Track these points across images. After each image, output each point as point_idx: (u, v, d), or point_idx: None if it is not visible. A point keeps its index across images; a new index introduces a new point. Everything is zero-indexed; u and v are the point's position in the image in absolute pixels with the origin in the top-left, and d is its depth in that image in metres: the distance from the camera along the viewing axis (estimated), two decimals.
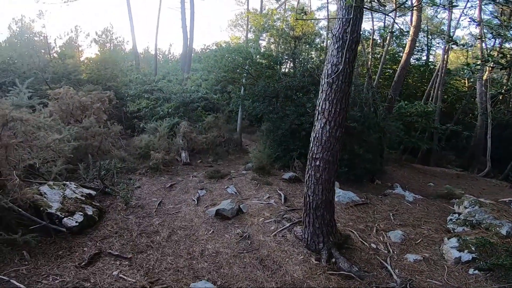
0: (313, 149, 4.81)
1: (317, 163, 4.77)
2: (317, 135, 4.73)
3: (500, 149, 14.17)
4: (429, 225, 6.29)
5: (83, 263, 4.28)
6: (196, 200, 6.73)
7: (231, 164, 10.08)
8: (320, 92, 4.77)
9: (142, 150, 8.98)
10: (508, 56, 5.83)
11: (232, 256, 4.84)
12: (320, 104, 4.72)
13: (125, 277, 4.15)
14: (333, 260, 4.78)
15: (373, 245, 5.39)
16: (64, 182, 5.80)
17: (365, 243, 5.43)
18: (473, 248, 4.92)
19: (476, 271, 4.56)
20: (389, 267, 4.75)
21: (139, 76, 13.90)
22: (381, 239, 5.64)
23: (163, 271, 4.39)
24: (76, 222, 4.93)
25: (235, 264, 4.67)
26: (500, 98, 15.85)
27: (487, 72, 14.23)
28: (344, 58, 4.43)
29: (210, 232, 5.48)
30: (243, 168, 9.35)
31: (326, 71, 4.65)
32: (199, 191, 7.29)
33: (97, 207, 5.60)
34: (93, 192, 5.99)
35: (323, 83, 4.70)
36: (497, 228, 5.44)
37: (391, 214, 6.68)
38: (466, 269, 4.68)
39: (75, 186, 5.81)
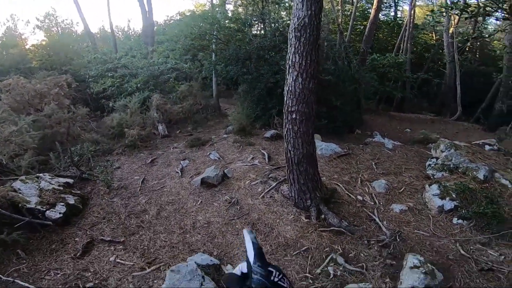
0: (287, 102, 4.71)
1: (294, 116, 4.67)
2: (290, 88, 4.61)
3: (468, 95, 14.80)
4: (410, 172, 6.43)
5: (79, 254, 4.21)
6: (179, 172, 6.60)
7: (211, 130, 9.87)
8: (289, 46, 4.61)
9: (115, 129, 8.55)
10: (473, 6, 5.73)
11: (223, 224, 4.86)
12: (290, 58, 4.57)
13: (122, 261, 4.12)
14: (323, 216, 4.87)
15: (360, 197, 5.51)
16: (37, 175, 5.49)
17: (352, 195, 5.54)
18: (454, 195, 5.01)
19: (460, 220, 4.67)
20: (377, 220, 4.88)
21: (98, 56, 12.98)
22: (367, 190, 5.76)
23: (158, 249, 4.38)
24: (60, 213, 4.74)
25: (227, 232, 4.70)
26: (467, 48, 16.23)
27: (453, 24, 14.74)
28: (310, 11, 4.30)
29: (198, 203, 5.44)
30: (224, 132, 9.18)
31: (293, 25, 4.47)
32: (181, 162, 7.13)
33: (78, 194, 5.39)
34: (70, 181, 5.72)
35: (291, 37, 4.53)
36: (474, 172, 5.51)
37: (373, 163, 6.78)
38: (450, 218, 4.79)
39: (50, 177, 5.52)
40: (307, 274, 3.97)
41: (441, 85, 16.72)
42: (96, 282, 3.79)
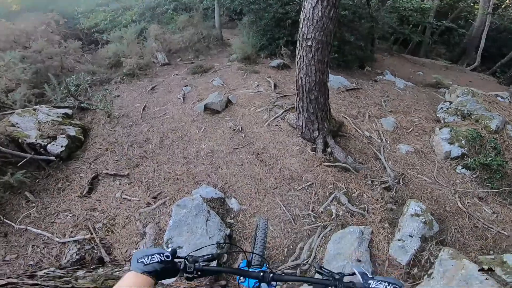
0: (303, 29, 4.17)
1: (309, 43, 4.16)
2: (308, 15, 4.05)
3: (492, 48, 14.38)
4: (419, 113, 5.98)
5: (85, 191, 4.06)
6: (182, 98, 6.17)
7: (214, 58, 9.09)
8: None
9: (111, 60, 7.89)
10: None
11: (227, 153, 4.60)
12: None
13: (128, 197, 3.98)
14: (329, 150, 4.56)
15: (367, 133, 5.14)
16: (34, 107, 5.10)
17: (359, 130, 5.16)
18: (463, 142, 4.73)
19: (464, 170, 4.45)
20: (382, 159, 4.62)
21: None
22: (374, 126, 5.38)
23: (162, 182, 4.20)
24: (62, 146, 4.48)
25: (232, 162, 4.46)
26: (503, 6, 15.19)
27: None
28: None
29: (202, 130, 5.13)
30: (227, 60, 8.41)
31: None
32: (183, 88, 6.64)
33: (79, 125, 5.06)
34: (69, 111, 5.35)
35: None
36: (487, 121, 5.16)
37: (382, 100, 6.32)
38: (454, 166, 4.56)
39: (47, 109, 5.11)
40: (310, 212, 3.83)
41: (465, 36, 15.55)
42: (105, 222, 3.69)
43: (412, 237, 3.38)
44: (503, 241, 3.50)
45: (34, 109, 5.03)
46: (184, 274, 1.16)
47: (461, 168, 4.49)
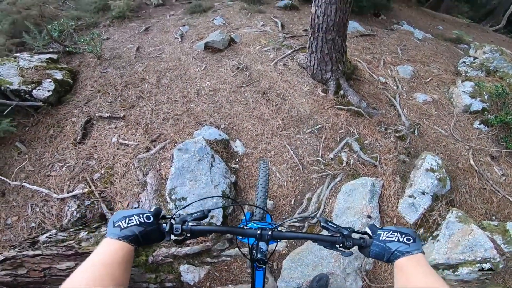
0: None
1: None
2: None
3: None
4: (438, 64, 5.39)
5: (79, 138, 3.60)
6: (179, 38, 5.49)
7: None
8: None
9: (97, 4, 6.93)
10: None
11: (231, 92, 4.09)
12: None
13: (126, 142, 3.55)
14: (341, 92, 4.05)
15: (382, 79, 4.60)
16: (14, 55, 4.49)
17: (373, 75, 4.60)
18: (485, 97, 4.40)
19: (482, 125, 4.17)
20: (398, 106, 4.17)
21: None
22: (390, 72, 4.84)
23: (162, 123, 3.74)
24: (48, 91, 3.93)
25: (236, 101, 3.97)
26: None
27: None
28: None
29: (202, 68, 4.55)
30: (228, 0, 7.69)
31: None
32: (180, 28, 5.92)
33: (66, 69, 4.45)
34: (53, 56, 4.71)
35: None
36: None
37: (398, 49, 5.71)
38: (472, 120, 4.25)
39: (29, 56, 4.50)
40: (319, 158, 3.44)
41: None
42: (103, 171, 3.30)
43: (424, 194, 3.10)
44: (506, 207, 3.30)
45: (15, 57, 4.39)
46: (171, 236, 0.97)
47: (479, 124, 4.21)
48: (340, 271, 2.68)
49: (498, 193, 3.40)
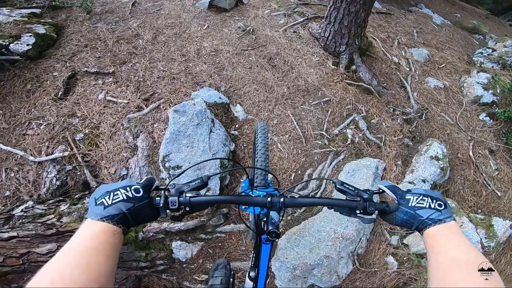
0: None
1: None
2: None
3: None
4: (453, 52, 4.97)
5: (60, 93, 3.03)
6: None
7: None
8: None
9: None
10: None
11: (234, 54, 3.55)
12: None
13: (114, 99, 3.00)
14: (353, 67, 3.59)
15: (395, 59, 4.17)
16: None
17: (387, 54, 4.14)
18: (498, 90, 4.11)
19: (487, 118, 3.94)
20: (408, 88, 3.81)
21: None
22: (403, 54, 4.43)
23: (156, 81, 3.19)
24: (28, 45, 3.30)
25: (239, 64, 3.44)
26: None
27: None
28: None
29: (204, 28, 3.96)
30: None
31: None
32: None
33: (50, 23, 3.79)
34: (36, 11, 4.04)
35: None
36: None
37: (414, 31, 5.23)
38: (479, 112, 3.99)
39: (9, 10, 3.85)
40: (323, 132, 3.04)
41: None
42: (87, 132, 2.76)
43: (424, 182, 2.90)
44: (493, 201, 3.18)
45: None
46: (167, 212, 0.75)
47: (485, 116, 3.99)
48: (335, 254, 2.42)
49: (488, 187, 3.27)
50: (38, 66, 3.34)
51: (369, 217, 0.82)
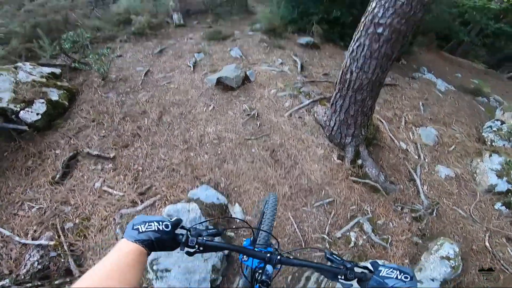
0: (375, 10, 2.90)
1: (379, 30, 2.91)
2: None
3: None
4: (461, 125, 4.79)
5: (58, 176, 2.95)
6: (192, 66, 4.86)
7: (235, 25, 7.58)
8: None
9: (121, 16, 6.38)
10: None
11: (237, 144, 3.43)
12: None
13: (110, 190, 2.90)
14: (359, 162, 3.40)
15: (403, 145, 3.99)
16: (16, 64, 3.85)
17: (395, 140, 3.97)
18: None
19: (503, 207, 3.61)
20: (418, 181, 3.57)
21: None
22: (411, 136, 4.24)
23: (155, 172, 3.08)
24: (38, 114, 3.30)
25: (241, 157, 3.31)
26: None
27: None
28: None
29: (210, 109, 3.91)
30: (249, 29, 6.89)
31: None
32: (195, 54, 5.31)
33: (66, 88, 3.82)
34: (57, 70, 4.08)
35: None
36: None
37: (420, 103, 5.08)
38: (494, 201, 3.64)
39: (32, 67, 3.87)
40: (325, 236, 2.84)
41: None
42: (77, 222, 2.65)
43: (433, 280, 2.73)
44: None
45: (15, 67, 3.78)
46: (185, 248, 0.96)
47: (501, 205, 3.64)
48: None
49: (506, 271, 3.02)
50: (43, 139, 3.33)
51: (348, 283, 0.95)
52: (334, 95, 3.43)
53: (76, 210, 2.75)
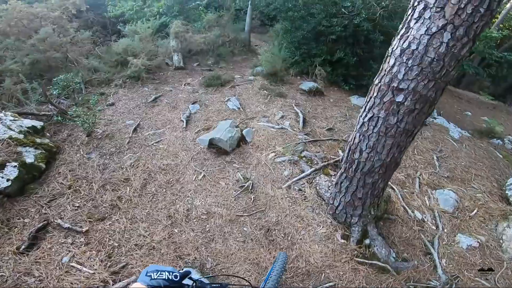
0: (394, 70, 2.43)
1: (400, 98, 2.46)
2: (412, 47, 2.29)
3: None
4: (482, 181, 4.62)
5: (23, 247, 2.84)
6: (185, 122, 4.89)
7: (236, 67, 7.81)
8: None
9: (119, 57, 6.61)
10: None
11: (228, 221, 3.30)
12: None
13: (79, 266, 2.76)
14: (367, 241, 3.22)
15: (418, 214, 3.81)
16: None
17: (409, 210, 3.81)
18: None
19: None
20: (435, 256, 3.37)
21: None
22: (427, 202, 4.06)
23: (131, 250, 2.95)
24: (8, 180, 3.24)
25: (231, 235, 3.17)
26: None
27: None
28: None
29: (200, 177, 3.83)
30: (250, 73, 7.16)
31: None
32: (190, 106, 5.38)
33: (45, 146, 3.81)
34: (39, 124, 4.09)
35: None
36: None
37: (435, 157, 4.98)
38: None
39: (13, 118, 3.91)
40: None
41: None
42: None
43: None
44: None
45: None
46: None
47: None
48: None
49: None
50: (13, 206, 3.25)
51: None
52: (339, 174, 3.26)
53: (40, 282, 2.63)
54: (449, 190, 4.30)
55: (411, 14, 2.28)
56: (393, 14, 6.27)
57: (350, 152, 3.00)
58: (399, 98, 2.45)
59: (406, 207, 3.88)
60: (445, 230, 3.73)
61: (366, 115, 2.74)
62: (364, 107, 2.80)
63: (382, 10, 5.86)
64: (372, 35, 6.19)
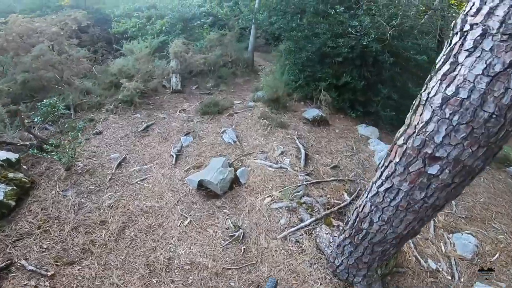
0: (428, 129, 1.85)
1: (434, 170, 1.92)
2: (463, 95, 1.66)
3: None
4: (502, 219, 4.36)
5: None
6: (175, 156, 4.75)
7: (237, 91, 7.77)
8: None
9: (114, 78, 6.62)
10: None
11: (213, 273, 3.10)
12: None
13: None
14: None
15: (432, 264, 3.55)
16: None
17: (421, 260, 3.55)
18: None
19: None
20: None
21: None
22: (443, 248, 3.79)
23: None
24: None
25: None
26: None
27: None
28: None
29: (185, 223, 3.66)
30: (251, 98, 7.11)
31: None
32: (182, 138, 5.27)
33: (17, 182, 3.69)
34: (13, 157, 3.95)
35: None
36: None
37: None
38: None
39: None
40: None
41: None
42: None
43: None
44: None
45: None
46: None
47: None
48: None
49: None
50: None
51: None
52: (342, 238, 3.02)
53: None
54: (468, 233, 4.06)
55: (460, 42, 1.67)
56: (402, 33, 6.21)
57: (358, 220, 2.66)
58: (433, 170, 1.92)
59: (419, 257, 3.61)
60: (462, 280, 3.47)
61: (382, 184, 2.28)
62: (379, 172, 2.32)
63: (392, 30, 5.70)
64: (381, 56, 6.09)
